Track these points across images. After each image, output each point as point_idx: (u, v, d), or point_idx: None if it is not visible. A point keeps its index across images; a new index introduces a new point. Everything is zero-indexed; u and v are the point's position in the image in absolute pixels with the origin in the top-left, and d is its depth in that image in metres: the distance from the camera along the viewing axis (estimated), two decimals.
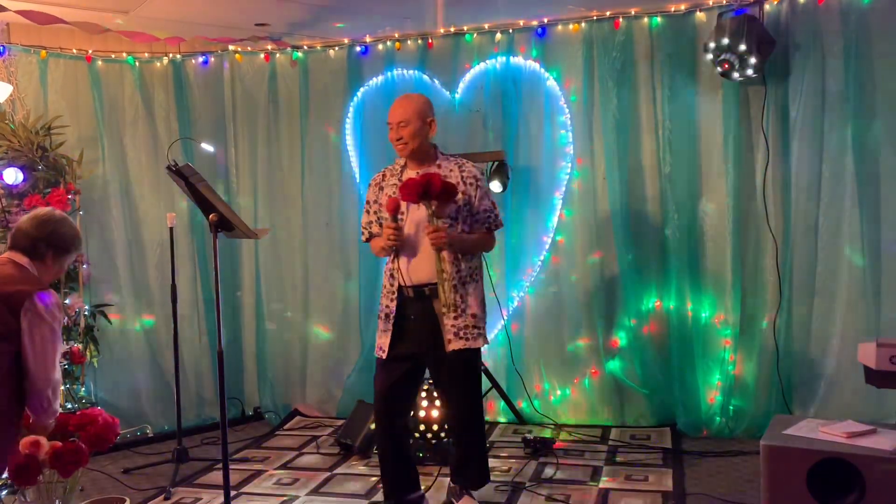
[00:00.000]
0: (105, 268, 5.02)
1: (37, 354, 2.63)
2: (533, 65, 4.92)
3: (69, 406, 4.53)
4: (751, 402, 4.55)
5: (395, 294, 3.44)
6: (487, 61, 4.98)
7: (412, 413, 4.07)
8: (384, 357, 3.47)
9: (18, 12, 4.23)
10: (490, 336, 3.87)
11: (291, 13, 4.63)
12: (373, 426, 4.51)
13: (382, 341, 3.48)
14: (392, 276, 3.46)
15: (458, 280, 3.40)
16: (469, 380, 3.51)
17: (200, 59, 5.33)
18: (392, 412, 3.53)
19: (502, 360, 4.99)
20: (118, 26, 4.67)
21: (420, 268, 3.39)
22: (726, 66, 4.31)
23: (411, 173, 3.46)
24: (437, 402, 4.29)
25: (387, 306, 3.48)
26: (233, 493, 3.82)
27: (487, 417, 4.91)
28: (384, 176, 3.58)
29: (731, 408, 4.60)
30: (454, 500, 3.63)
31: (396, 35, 5.10)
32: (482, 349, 3.56)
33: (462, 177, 3.45)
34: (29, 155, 4.60)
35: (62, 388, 4.57)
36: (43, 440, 2.94)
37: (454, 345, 3.38)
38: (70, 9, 4.32)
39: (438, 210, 3.30)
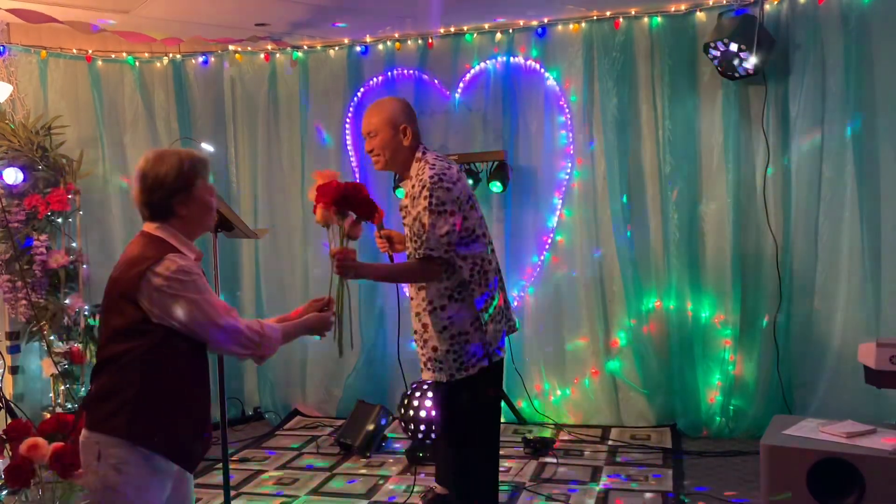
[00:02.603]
0: (105, 268, 4.95)
1: (189, 325, 2.13)
2: (533, 65, 4.92)
3: (69, 406, 4.53)
4: (751, 402, 4.55)
5: None
6: (487, 61, 4.98)
7: None
8: None
9: (10, 11, 4.20)
10: None
11: (291, 13, 4.62)
12: (372, 426, 4.52)
13: None
14: None
15: (422, 308, 2.98)
16: (441, 415, 3.12)
17: (200, 60, 5.33)
18: None
19: None
20: (112, 26, 4.65)
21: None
22: (726, 65, 4.32)
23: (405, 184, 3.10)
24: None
25: None
26: (233, 493, 3.83)
27: None
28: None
29: (731, 408, 4.60)
30: None
31: (396, 35, 5.10)
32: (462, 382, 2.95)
33: (412, 185, 2.91)
34: (29, 155, 4.60)
35: (64, 386, 4.57)
36: (43, 442, 2.93)
37: (424, 375, 3.07)
38: (68, 8, 4.30)
39: (350, 230, 2.75)
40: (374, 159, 3.01)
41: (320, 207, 2.72)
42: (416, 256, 2.87)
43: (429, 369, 3.01)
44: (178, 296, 2.09)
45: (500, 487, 3.65)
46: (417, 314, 3.01)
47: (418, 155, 2.97)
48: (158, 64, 5.26)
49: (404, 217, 2.99)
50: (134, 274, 2.09)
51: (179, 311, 2.11)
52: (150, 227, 2.21)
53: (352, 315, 2.95)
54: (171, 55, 5.27)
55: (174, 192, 2.18)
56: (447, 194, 2.83)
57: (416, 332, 3.03)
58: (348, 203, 2.67)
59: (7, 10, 4.20)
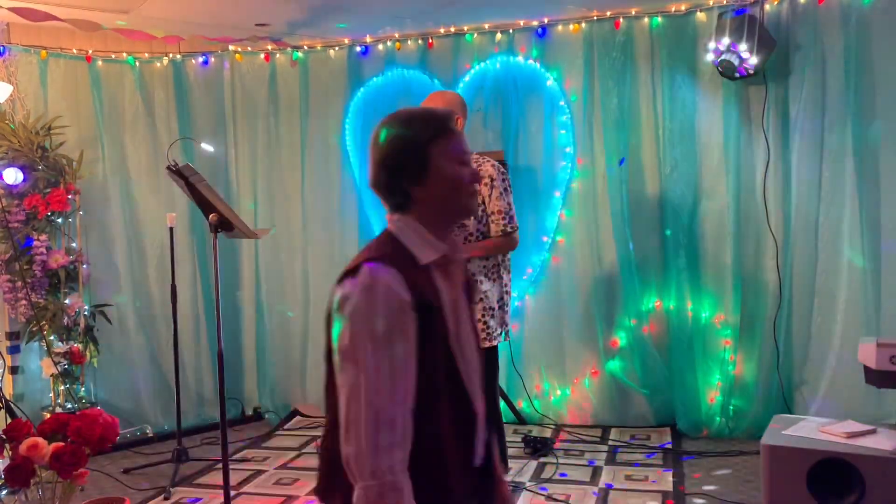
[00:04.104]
0: (105, 268, 5.02)
1: (340, 383, 1.52)
2: (533, 65, 4.92)
3: (69, 406, 4.54)
4: (751, 402, 4.55)
5: None
6: (487, 61, 4.98)
7: None
8: None
9: (12, 9, 4.20)
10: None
11: (291, 13, 4.63)
12: None
13: None
14: None
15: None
16: None
17: (200, 59, 5.33)
18: None
19: (502, 360, 4.97)
20: (115, 25, 4.65)
21: None
22: (726, 65, 4.32)
23: None
24: None
25: None
26: (233, 493, 3.83)
27: None
28: None
29: (731, 408, 4.60)
30: None
31: (396, 35, 5.10)
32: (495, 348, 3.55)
33: None
34: (29, 155, 4.60)
35: (64, 386, 4.56)
36: (43, 442, 2.93)
37: None
38: (68, 8, 4.30)
39: None
40: None
41: None
42: (508, 230, 3.51)
43: None
44: (342, 325, 1.50)
45: None
46: None
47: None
48: (158, 64, 5.25)
49: None
50: (335, 285, 1.57)
51: (337, 351, 1.51)
52: (388, 219, 1.68)
53: None
54: (171, 55, 5.26)
55: (403, 169, 1.60)
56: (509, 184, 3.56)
57: None
58: None
59: (9, 9, 4.20)
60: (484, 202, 3.48)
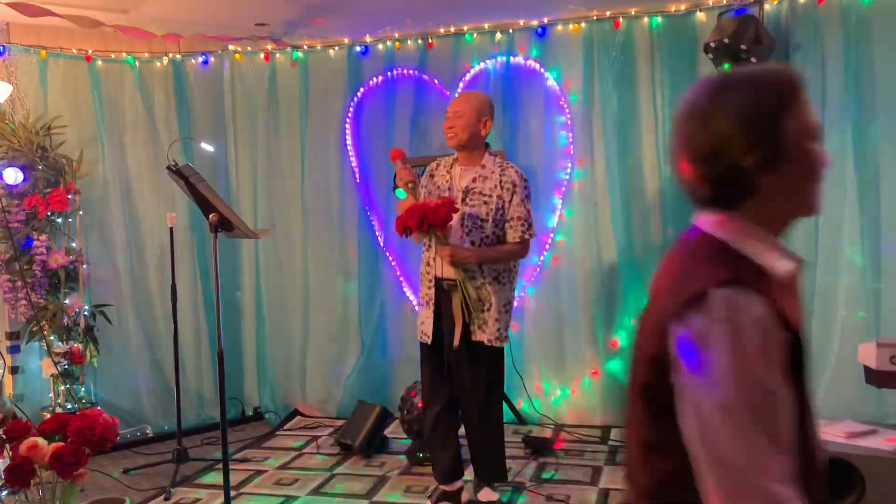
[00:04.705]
0: (105, 268, 5.01)
1: (695, 423, 1.15)
2: (533, 65, 4.92)
3: (69, 406, 4.54)
4: None
5: (432, 282, 3.56)
6: (487, 61, 4.98)
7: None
8: (429, 342, 3.58)
9: (9, 4, 4.19)
10: None
11: (291, 13, 4.63)
12: (372, 426, 4.52)
13: (425, 327, 3.59)
14: (428, 264, 3.58)
15: (479, 281, 3.48)
16: (478, 373, 3.53)
17: (200, 59, 5.33)
18: (440, 399, 3.63)
19: None
20: (112, 21, 4.64)
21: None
22: (726, 65, 4.31)
23: (458, 169, 3.56)
24: None
25: (426, 293, 3.61)
26: (233, 493, 3.82)
27: None
28: (438, 165, 3.68)
29: None
30: (475, 494, 3.70)
31: (396, 35, 5.10)
32: (503, 349, 3.61)
33: (500, 181, 3.49)
34: (29, 155, 4.60)
35: (65, 387, 4.56)
36: (43, 442, 2.93)
37: (474, 336, 3.49)
38: (68, 7, 4.29)
39: (441, 234, 3.39)
40: (449, 134, 3.52)
41: (414, 235, 3.45)
42: (524, 238, 3.51)
43: (480, 329, 3.51)
44: (697, 379, 1.13)
45: (500, 488, 3.82)
46: (481, 285, 3.49)
47: (493, 150, 3.61)
48: (158, 64, 5.25)
49: (469, 199, 3.49)
50: (659, 318, 1.21)
51: (688, 413, 1.15)
52: (704, 220, 1.28)
53: (468, 299, 3.46)
54: (171, 55, 5.26)
55: (747, 150, 1.18)
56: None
57: (478, 301, 3.43)
58: (428, 223, 3.30)
59: (6, 4, 4.18)
60: (503, 207, 3.49)
